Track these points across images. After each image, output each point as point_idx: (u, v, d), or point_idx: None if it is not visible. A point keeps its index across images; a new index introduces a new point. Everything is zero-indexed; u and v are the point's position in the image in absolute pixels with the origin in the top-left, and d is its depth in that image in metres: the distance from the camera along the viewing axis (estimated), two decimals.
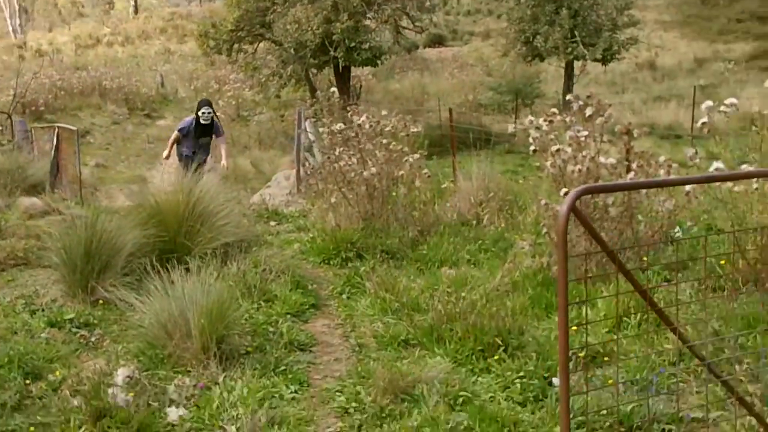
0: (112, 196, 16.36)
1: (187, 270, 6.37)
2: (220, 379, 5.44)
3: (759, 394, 4.75)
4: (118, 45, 53.22)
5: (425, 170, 10.53)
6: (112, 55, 48.26)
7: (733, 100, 8.14)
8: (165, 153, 12.49)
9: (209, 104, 12.50)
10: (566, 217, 3.33)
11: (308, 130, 15.39)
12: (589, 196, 8.18)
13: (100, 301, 7.03)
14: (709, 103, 8.27)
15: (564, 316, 3.39)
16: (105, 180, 19.97)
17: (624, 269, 4.07)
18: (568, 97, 9.91)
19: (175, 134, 12.29)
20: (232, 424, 4.77)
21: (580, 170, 8.21)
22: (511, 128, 10.02)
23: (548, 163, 8.51)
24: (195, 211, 8.06)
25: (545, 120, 9.35)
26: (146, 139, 26.42)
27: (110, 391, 5.10)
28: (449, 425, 4.68)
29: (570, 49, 23.85)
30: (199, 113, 12.03)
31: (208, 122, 12.09)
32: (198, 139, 12.13)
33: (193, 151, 12.11)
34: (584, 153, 8.45)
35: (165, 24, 57.85)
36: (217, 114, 13.18)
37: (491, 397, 5.19)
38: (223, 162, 12.53)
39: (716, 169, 6.90)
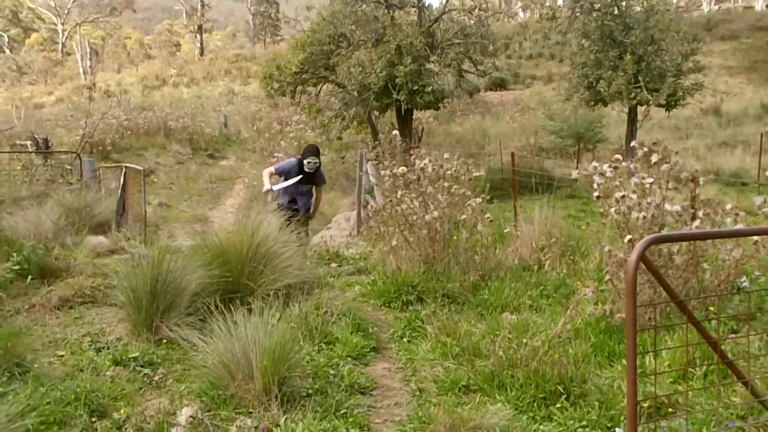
0: (174, 234, 16.61)
1: (250, 311, 6.42)
2: (282, 421, 5.45)
3: None
4: (183, 86, 54.58)
5: (487, 214, 10.49)
6: (177, 95, 49.44)
7: None
8: (266, 184, 10.74)
9: (317, 153, 11.16)
10: (635, 265, 3.30)
11: (370, 172, 15.49)
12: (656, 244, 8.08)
13: (164, 340, 7.13)
14: None
15: (633, 365, 3.35)
16: (168, 219, 20.30)
17: (693, 318, 4.01)
18: (632, 143, 9.83)
19: (269, 170, 10.92)
20: None
21: (644, 217, 8.11)
22: (574, 174, 9.92)
23: (612, 210, 8.43)
24: (258, 251, 8.14)
25: (609, 166, 9.30)
26: (209, 179, 26.86)
27: (173, 430, 5.16)
28: None
29: (633, 95, 23.65)
30: (305, 161, 10.93)
31: (313, 170, 11.02)
32: (299, 186, 10.97)
33: (291, 198, 11.05)
34: (649, 200, 8.36)
35: (229, 65, 59.14)
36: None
37: None
38: (312, 213, 11.56)
39: None
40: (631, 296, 3.32)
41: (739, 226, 7.36)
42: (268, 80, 25.56)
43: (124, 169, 16.04)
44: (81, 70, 63.60)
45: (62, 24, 76.70)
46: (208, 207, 22.85)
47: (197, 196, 24.31)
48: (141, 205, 15.02)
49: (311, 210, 11.41)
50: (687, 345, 4.29)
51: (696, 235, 5.57)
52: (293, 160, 11.19)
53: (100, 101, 41.11)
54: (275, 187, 10.84)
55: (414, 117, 26.89)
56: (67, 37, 77.40)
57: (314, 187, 11.30)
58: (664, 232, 7.63)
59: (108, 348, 7.05)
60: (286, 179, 10.86)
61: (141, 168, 15.53)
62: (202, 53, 71.50)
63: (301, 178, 10.85)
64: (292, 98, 26.16)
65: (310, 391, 6.05)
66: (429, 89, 23.59)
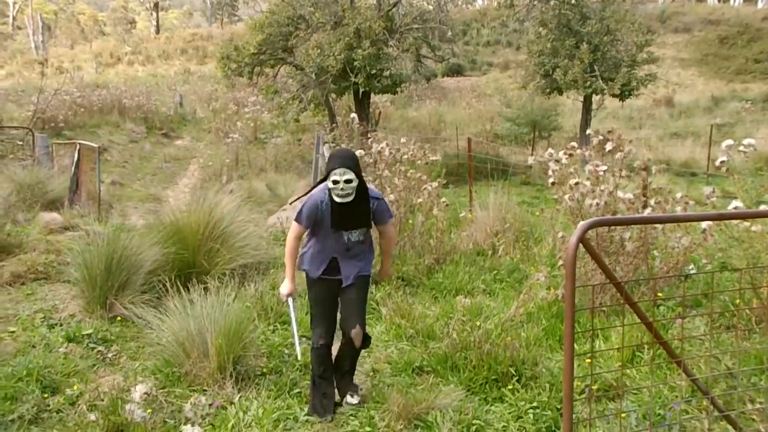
0: (128, 213, 16.44)
1: (206, 290, 6.43)
2: (236, 399, 5.49)
3: None
4: (138, 64, 53.84)
5: (443, 199, 10.59)
6: (132, 73, 48.78)
7: (751, 141, 8.19)
8: (288, 270, 5.66)
9: (351, 161, 5.35)
10: (575, 248, 3.41)
11: (326, 154, 15.48)
12: (607, 230, 8.24)
13: (118, 318, 7.11)
14: (730, 142, 8.34)
15: (570, 345, 3.46)
16: (121, 198, 20.05)
17: (630, 300, 4.13)
18: (588, 131, 9.97)
19: (294, 227, 5.58)
20: None
21: (597, 204, 8.26)
22: (529, 160, 10.05)
23: (566, 196, 8.57)
24: (215, 231, 8.13)
25: (565, 153, 9.44)
26: (163, 158, 26.54)
27: (127, 407, 5.16)
28: None
29: (589, 84, 23.89)
30: (332, 180, 5.29)
31: (350, 198, 5.35)
32: (340, 234, 5.52)
33: (329, 262, 5.58)
34: (602, 187, 8.51)
35: (186, 44, 58.45)
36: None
37: (504, 426, 5.22)
38: (387, 272, 6.27)
39: (734, 208, 6.94)
40: (570, 278, 3.42)
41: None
42: (225, 61, 25.29)
43: (78, 146, 15.82)
44: (32, 45, 62.28)
45: None
46: (162, 186, 22.60)
47: (151, 176, 24.02)
48: (95, 183, 14.85)
49: (376, 273, 6.29)
50: (624, 325, 4.38)
51: (634, 220, 5.73)
52: (318, 189, 5.53)
53: (53, 77, 40.40)
54: (303, 250, 5.69)
55: (371, 101, 26.85)
56: (18, 11, 75.77)
57: (368, 230, 5.71)
58: None
59: (61, 325, 7.01)
60: (315, 231, 5.54)
61: (95, 146, 15.34)
62: (158, 31, 70.52)
63: (339, 219, 5.41)
64: (249, 79, 25.94)
65: (265, 370, 6.10)
66: (387, 73, 23.59)
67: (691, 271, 8.42)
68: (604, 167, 8.80)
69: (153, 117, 31.72)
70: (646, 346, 6.31)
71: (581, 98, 26.04)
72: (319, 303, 5.62)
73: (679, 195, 8.98)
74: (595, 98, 26.13)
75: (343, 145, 12.60)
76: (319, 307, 5.61)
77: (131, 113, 31.00)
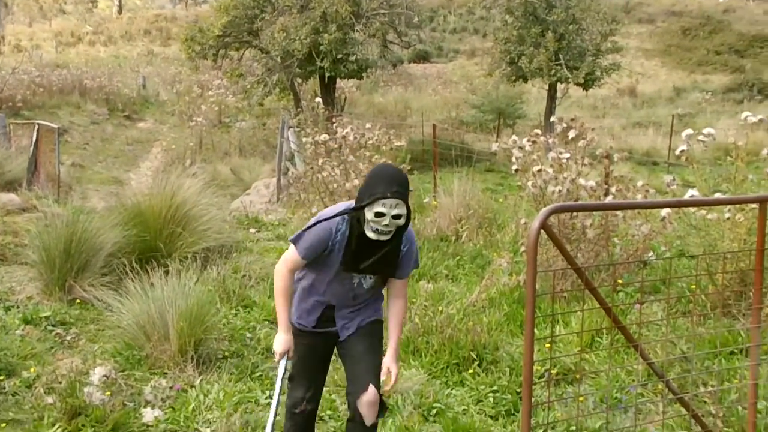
0: (87, 196, 16.26)
1: (167, 273, 6.38)
2: (197, 382, 5.45)
3: (721, 414, 4.86)
4: (100, 44, 53.06)
5: None
6: (93, 54, 48.11)
7: (711, 131, 8.30)
8: (281, 317, 4.07)
9: (405, 188, 3.80)
10: (537, 233, 3.44)
11: (291, 139, 15.41)
12: (569, 217, 8.32)
13: (77, 300, 7.02)
14: (690, 131, 8.45)
15: (530, 329, 3.49)
16: (81, 180, 19.82)
17: (590, 286, 4.18)
18: (552, 118, 10.05)
19: (291, 255, 4.01)
20: (207, 427, 4.80)
21: (560, 191, 8.32)
22: (494, 147, 10.11)
23: (529, 183, 8.63)
24: (177, 214, 8.06)
25: (528, 140, 9.49)
26: (125, 141, 26.29)
27: (86, 390, 5.10)
28: None
29: (554, 72, 24.04)
30: (374, 212, 3.74)
31: (388, 236, 3.83)
32: (350, 277, 4.03)
33: (323, 311, 4.16)
34: (565, 174, 8.57)
35: (149, 25, 57.72)
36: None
37: (464, 409, 5.25)
38: (391, 368, 4.14)
39: (692, 196, 7.02)
40: (531, 263, 3.45)
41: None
42: (189, 43, 25.04)
43: (36, 127, 15.60)
44: None
45: None
46: (124, 169, 22.38)
47: (113, 158, 23.79)
48: (54, 165, 14.68)
49: (389, 367, 4.17)
50: (583, 310, 4.42)
51: (595, 206, 5.83)
52: (339, 208, 4.03)
53: (10, 56, 39.75)
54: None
55: (337, 86, 26.79)
56: None
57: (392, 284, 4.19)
58: None
59: (18, 307, 6.90)
60: (316, 267, 4.09)
61: (55, 126, 15.15)
62: (120, 11, 69.55)
63: (356, 258, 3.94)
64: (213, 62, 25.72)
65: (227, 354, 6.07)
66: (353, 58, 23.51)
67: (651, 258, 8.52)
68: (567, 155, 8.87)
69: (115, 99, 31.37)
70: (605, 331, 6.38)
71: (546, 86, 26.20)
72: (306, 358, 4.15)
73: (640, 183, 9.08)
74: (560, 87, 26.33)
75: (307, 130, 12.51)
76: (303, 362, 4.15)
77: (93, 94, 30.61)
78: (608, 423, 4.79)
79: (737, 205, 7.56)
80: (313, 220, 3.94)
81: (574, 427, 4.76)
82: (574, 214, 8.37)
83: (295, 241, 3.94)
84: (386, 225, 3.70)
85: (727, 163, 8.22)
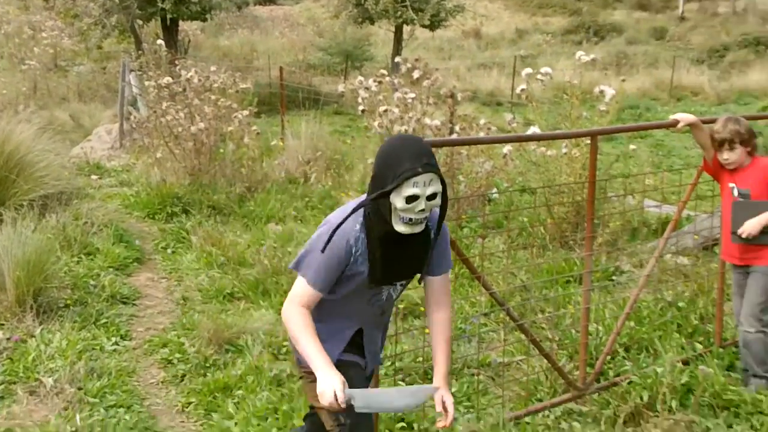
0: None
1: (1, 221, 6.11)
2: (37, 332, 5.28)
3: (556, 338, 5.16)
4: None
5: (254, 127, 10.53)
6: None
7: (548, 70, 8.64)
8: (318, 356, 2.77)
9: (434, 158, 2.82)
10: None
11: (133, 83, 14.88)
12: None
13: None
14: (529, 70, 8.76)
15: None
16: None
17: None
18: (396, 59, 10.15)
19: (301, 289, 2.90)
20: (49, 376, 4.66)
21: (406, 130, 8.45)
22: (340, 88, 10.16)
23: (376, 123, 8.73)
24: (9, 161, 7.67)
25: (374, 81, 9.57)
26: None
27: None
28: (272, 373, 4.78)
29: (399, 13, 24.19)
30: (404, 197, 2.74)
31: (422, 226, 2.87)
32: (378, 291, 3.00)
33: (355, 333, 3.07)
34: (410, 114, 8.72)
35: None
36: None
37: None
38: (445, 399, 2.96)
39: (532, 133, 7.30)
40: None
41: None
42: None
43: None
44: None
45: None
46: None
47: None
48: None
49: (437, 386, 3.02)
50: None
51: (438, 143, 5.99)
52: (347, 209, 2.91)
53: None
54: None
55: (180, 28, 25.95)
56: None
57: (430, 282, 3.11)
58: None
59: None
60: (335, 289, 2.95)
61: None
62: None
63: (388, 266, 2.92)
64: (45, 1, 24.39)
65: (69, 302, 5.89)
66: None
67: (493, 194, 8.83)
68: (413, 95, 9.02)
69: None
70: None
71: (393, 28, 26.33)
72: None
73: (482, 122, 9.36)
74: (407, 29, 26.51)
75: (150, 73, 12.11)
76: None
77: None
78: (453, 353, 4.97)
79: (573, 142, 7.95)
80: (318, 232, 2.89)
81: (420, 358, 4.91)
82: None
83: (300, 269, 2.90)
84: (421, 210, 2.75)
85: (563, 102, 8.58)
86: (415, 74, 9.35)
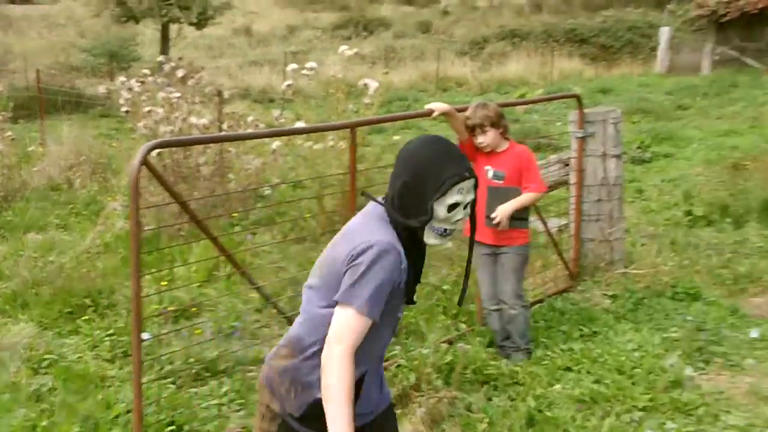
0: None
1: None
2: None
3: None
4: None
5: (9, 133, 10.02)
6: None
7: (313, 65, 8.78)
8: (344, 416, 2.24)
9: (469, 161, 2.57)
10: (138, 170, 3.52)
11: None
12: (183, 156, 8.36)
13: None
14: (294, 66, 8.86)
15: (136, 263, 3.54)
16: None
17: (195, 219, 4.31)
18: (159, 58, 9.96)
19: (356, 323, 2.32)
20: None
21: (172, 131, 8.30)
22: (102, 89, 9.81)
23: (141, 124, 8.52)
24: None
25: (137, 81, 9.33)
26: None
27: None
28: (32, 388, 4.55)
29: (165, 12, 23.64)
30: (446, 206, 2.43)
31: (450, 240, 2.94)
32: (400, 311, 2.62)
33: (361, 377, 2.51)
34: (176, 114, 8.57)
35: None
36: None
37: (79, 357, 5.12)
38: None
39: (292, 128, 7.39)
40: (134, 200, 3.54)
41: None
42: None
43: None
44: None
45: None
46: None
47: None
48: None
49: None
50: (188, 243, 4.55)
51: (196, 140, 5.98)
52: (374, 222, 2.48)
53: None
54: None
55: None
56: None
57: None
58: None
59: None
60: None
61: None
62: None
63: (416, 281, 2.58)
64: None
65: None
66: None
67: (265, 190, 8.84)
68: (178, 94, 8.86)
69: None
70: (222, 264, 6.53)
71: (160, 27, 25.71)
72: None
73: (250, 119, 9.38)
74: (174, 27, 25.96)
75: None
76: None
77: None
78: (225, 351, 4.94)
79: (340, 134, 8.10)
80: (363, 259, 2.33)
81: (192, 359, 4.84)
82: (188, 153, 8.42)
83: (355, 302, 2.31)
84: (459, 221, 2.46)
85: (330, 96, 8.73)
86: (179, 73, 9.20)
